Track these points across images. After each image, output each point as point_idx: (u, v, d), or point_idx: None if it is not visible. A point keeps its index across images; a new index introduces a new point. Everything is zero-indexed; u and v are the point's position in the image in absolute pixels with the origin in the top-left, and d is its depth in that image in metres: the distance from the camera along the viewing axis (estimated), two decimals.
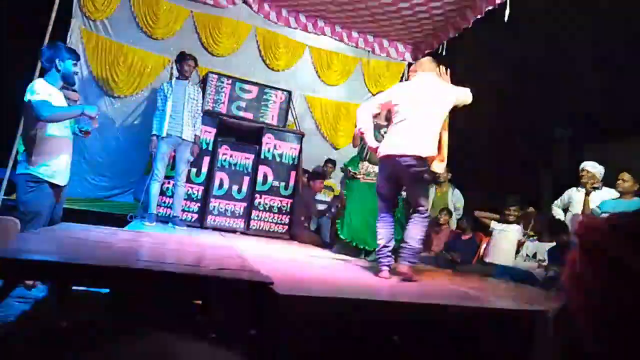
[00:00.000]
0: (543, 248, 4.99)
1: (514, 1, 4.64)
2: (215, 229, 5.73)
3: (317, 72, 7.32)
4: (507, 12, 4.64)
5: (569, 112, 8.21)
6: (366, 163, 4.80)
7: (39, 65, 4.19)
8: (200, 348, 0.59)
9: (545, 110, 8.38)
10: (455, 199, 6.37)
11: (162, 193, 5.40)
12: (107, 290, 2.65)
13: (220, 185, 5.92)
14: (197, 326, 2.21)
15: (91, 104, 5.00)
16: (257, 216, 6.03)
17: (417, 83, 3.38)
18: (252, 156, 6.11)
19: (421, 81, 3.35)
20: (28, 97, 3.18)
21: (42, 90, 3.21)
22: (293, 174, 6.27)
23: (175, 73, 5.58)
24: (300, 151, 6.35)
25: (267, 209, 6.08)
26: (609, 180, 4.60)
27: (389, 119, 3.76)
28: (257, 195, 6.04)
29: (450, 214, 6.11)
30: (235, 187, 5.99)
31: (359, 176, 4.82)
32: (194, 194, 5.81)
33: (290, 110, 6.75)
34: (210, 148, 5.90)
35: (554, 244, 4.83)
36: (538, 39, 7.52)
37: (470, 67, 5.82)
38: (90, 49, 6.12)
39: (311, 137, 6.96)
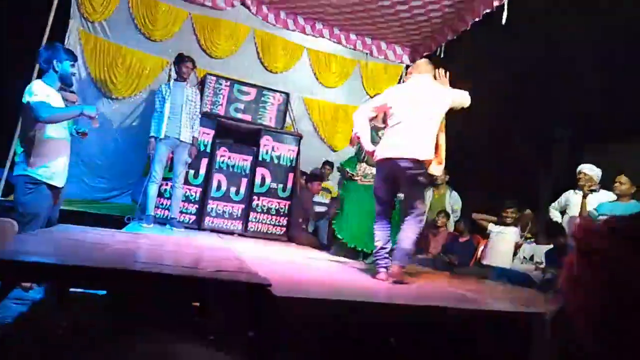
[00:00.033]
0: (540, 250, 5.01)
1: (513, 2, 4.64)
2: (213, 230, 5.72)
3: (315, 74, 7.31)
4: (504, 15, 4.64)
5: (569, 112, 8.19)
6: (364, 165, 4.79)
7: (37, 66, 4.18)
8: (199, 349, 0.59)
9: (545, 111, 8.36)
10: (452, 201, 6.38)
11: (160, 195, 5.39)
12: (104, 292, 2.65)
13: (218, 187, 5.91)
14: (196, 328, 2.20)
15: (89, 105, 4.99)
16: (255, 218, 6.02)
17: (412, 85, 3.38)
18: (250, 158, 6.10)
19: (417, 83, 3.36)
20: (26, 98, 3.18)
21: (40, 92, 3.20)
22: (291, 176, 6.27)
23: (174, 75, 5.57)
24: (298, 153, 6.35)
25: (264, 210, 6.07)
26: (607, 182, 4.61)
27: (386, 121, 3.76)
28: (255, 197, 6.04)
29: (447, 216, 6.12)
30: (233, 189, 5.98)
31: (356, 178, 4.81)
32: (191, 195, 5.80)
33: (288, 112, 6.76)
34: (208, 150, 5.90)
35: (551, 246, 4.85)
36: (537, 39, 7.51)
37: (469, 68, 5.81)
38: (89, 51, 6.11)
39: (309, 139, 6.95)
